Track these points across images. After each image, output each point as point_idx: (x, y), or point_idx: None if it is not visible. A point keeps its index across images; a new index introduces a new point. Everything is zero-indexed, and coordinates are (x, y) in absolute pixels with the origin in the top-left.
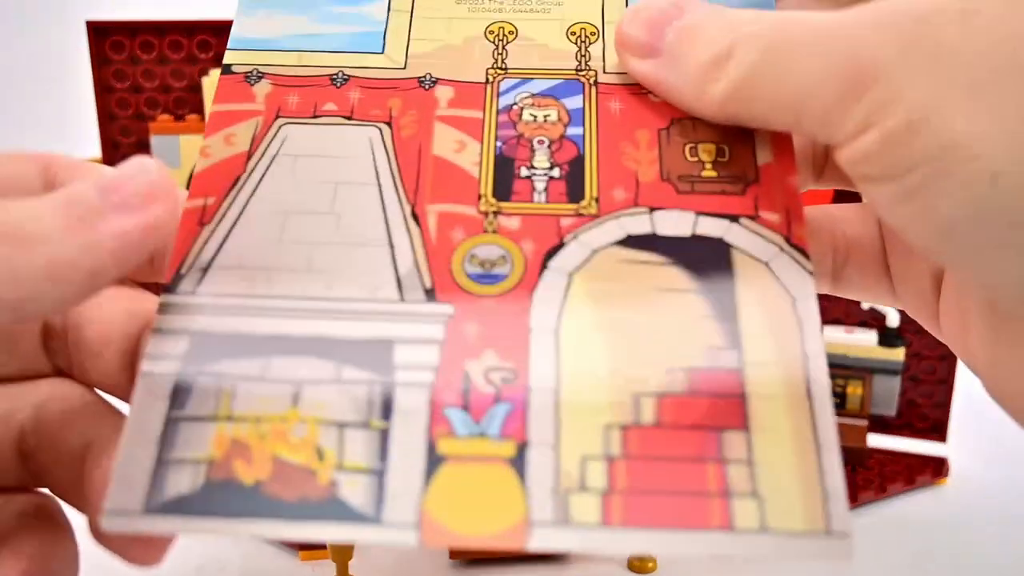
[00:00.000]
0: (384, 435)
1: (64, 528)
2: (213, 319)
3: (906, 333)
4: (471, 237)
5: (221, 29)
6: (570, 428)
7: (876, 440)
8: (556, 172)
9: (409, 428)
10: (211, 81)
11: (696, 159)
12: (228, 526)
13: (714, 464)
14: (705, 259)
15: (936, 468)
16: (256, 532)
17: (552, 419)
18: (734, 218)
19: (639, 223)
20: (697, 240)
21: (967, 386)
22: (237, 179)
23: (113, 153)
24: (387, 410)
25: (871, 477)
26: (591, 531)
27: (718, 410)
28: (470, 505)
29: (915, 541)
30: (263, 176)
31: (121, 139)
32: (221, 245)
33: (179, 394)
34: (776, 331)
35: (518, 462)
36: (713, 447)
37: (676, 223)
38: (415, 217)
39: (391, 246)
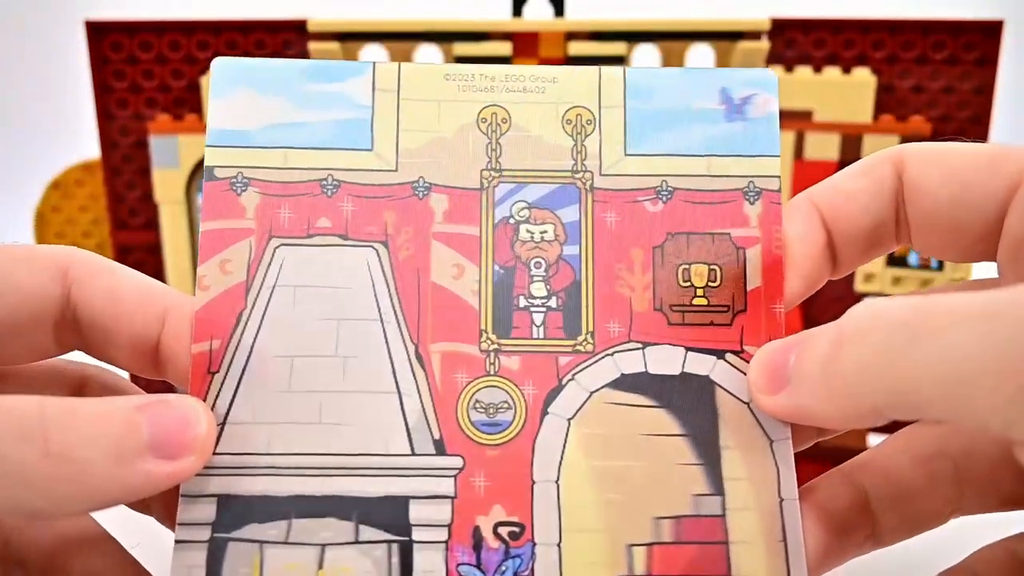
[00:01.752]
0: None
1: None
2: (236, 481)
3: None
4: (474, 380)
5: (220, 28)
6: None
7: (877, 440)
8: (553, 302)
9: None
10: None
11: (688, 284)
12: None
13: None
14: (691, 400)
15: None
16: None
17: (556, 573)
18: (720, 354)
19: (632, 360)
20: (685, 379)
21: None
22: (239, 316)
23: (112, 153)
24: (406, 570)
25: None
26: None
27: (703, 558)
28: None
29: (916, 542)
30: (264, 312)
31: (120, 139)
32: (233, 397)
33: (212, 563)
34: (755, 476)
35: None
36: None
37: (666, 360)
38: (419, 359)
39: (399, 393)
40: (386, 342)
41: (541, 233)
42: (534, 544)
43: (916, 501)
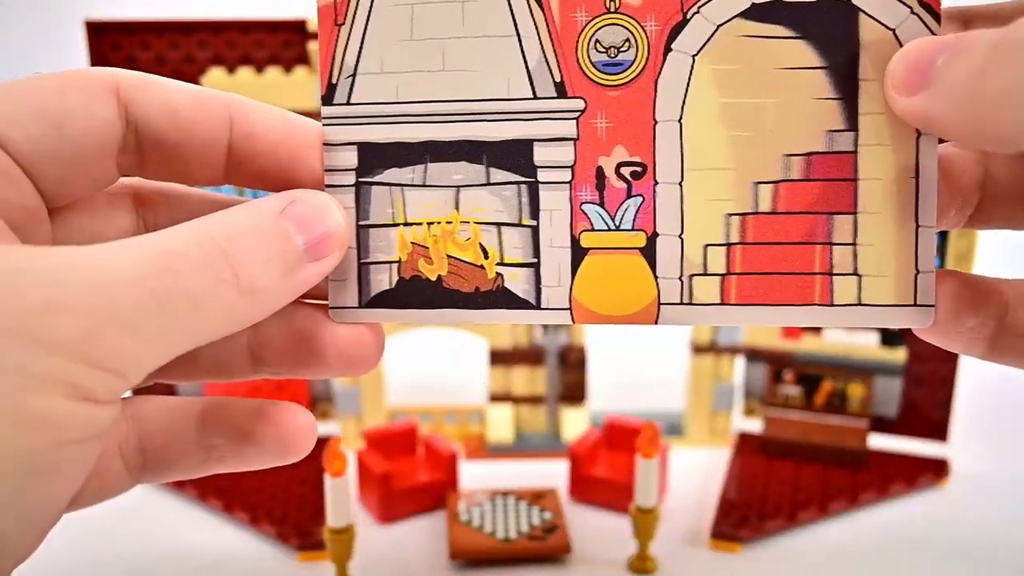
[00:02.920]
0: (534, 232)
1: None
2: (372, 129)
3: (908, 334)
4: (594, 18)
5: (219, 28)
6: (693, 218)
7: (877, 441)
8: None
9: (555, 225)
10: (209, 81)
11: None
12: (422, 316)
13: (821, 247)
14: (831, 29)
15: (937, 469)
16: (445, 320)
17: (677, 211)
18: None
19: None
20: (824, 6)
21: (969, 387)
22: None
23: None
24: (534, 209)
25: (872, 478)
26: (711, 309)
27: (830, 194)
28: (610, 290)
29: (917, 543)
30: None
31: None
32: (360, 47)
33: (361, 204)
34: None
35: (648, 251)
36: (822, 231)
37: None
38: (538, 0)
39: (518, 35)
40: None
41: None
42: (656, 183)
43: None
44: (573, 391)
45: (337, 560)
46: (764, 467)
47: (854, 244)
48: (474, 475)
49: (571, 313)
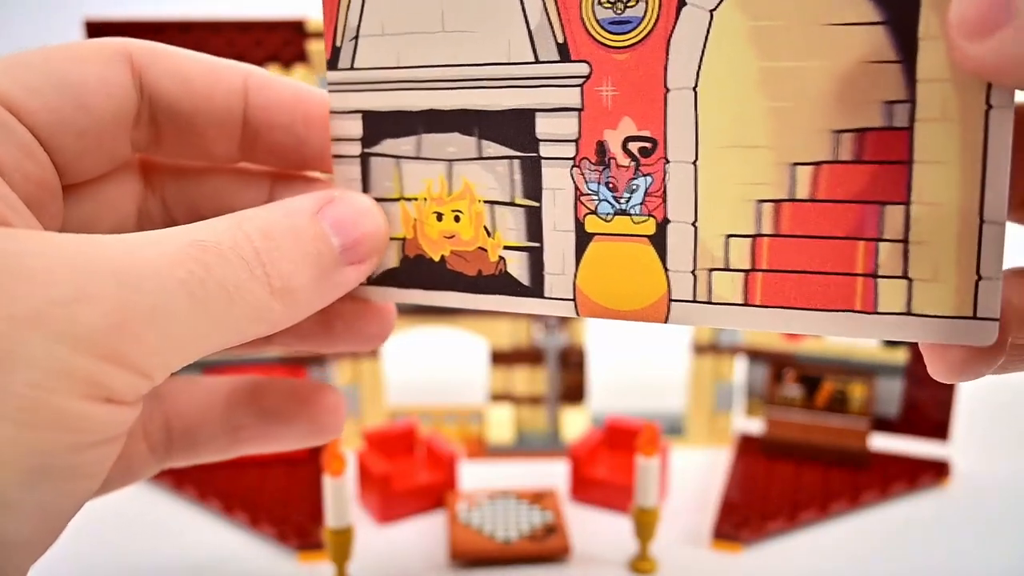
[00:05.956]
0: (533, 213)
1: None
2: (374, 96)
3: None
4: None
5: (218, 28)
6: (713, 204)
7: (878, 441)
8: None
9: (558, 206)
10: None
11: None
12: (427, 296)
13: (865, 243)
14: None
15: (938, 470)
16: (448, 303)
17: (690, 195)
18: None
19: None
20: None
21: (970, 387)
22: None
23: None
24: (531, 187)
25: (873, 478)
26: (732, 309)
27: (882, 180)
28: (616, 282)
29: (918, 543)
30: None
31: None
32: (362, 8)
33: (365, 177)
34: (960, 77)
35: (658, 240)
36: (866, 224)
37: None
38: None
39: None
40: None
41: None
42: (666, 162)
43: None
44: (573, 391)
45: (337, 561)
46: (765, 467)
47: (905, 241)
48: (474, 475)
49: (575, 305)
